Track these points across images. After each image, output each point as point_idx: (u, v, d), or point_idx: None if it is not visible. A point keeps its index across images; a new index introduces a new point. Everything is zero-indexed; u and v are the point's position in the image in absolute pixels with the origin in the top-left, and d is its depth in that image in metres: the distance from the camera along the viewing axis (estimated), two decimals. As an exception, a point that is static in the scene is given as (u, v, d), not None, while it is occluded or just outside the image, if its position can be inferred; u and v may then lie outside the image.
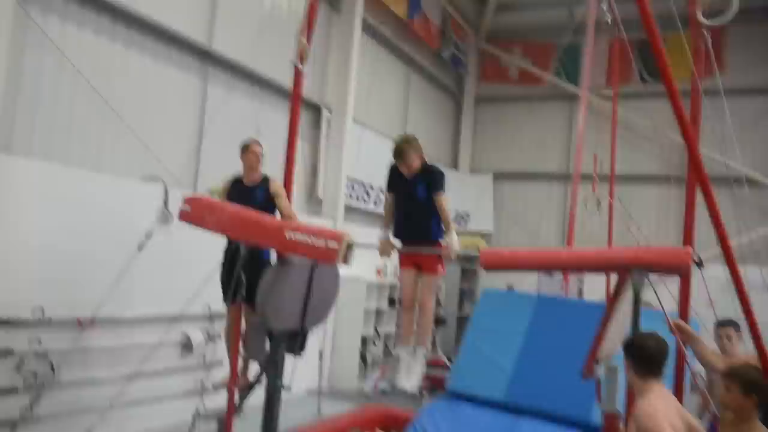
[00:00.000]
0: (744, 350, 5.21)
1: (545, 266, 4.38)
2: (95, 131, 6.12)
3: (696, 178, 4.44)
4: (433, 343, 11.98)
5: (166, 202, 6.31)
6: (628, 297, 3.71)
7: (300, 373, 5.41)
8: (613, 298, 3.70)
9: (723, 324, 5.13)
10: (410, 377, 5.16)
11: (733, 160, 10.76)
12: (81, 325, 5.52)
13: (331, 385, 9.10)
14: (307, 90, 8.60)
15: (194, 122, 7.27)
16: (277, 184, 5.36)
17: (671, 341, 4.05)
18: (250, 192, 5.21)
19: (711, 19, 4.39)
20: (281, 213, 5.22)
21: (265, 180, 5.32)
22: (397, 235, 5.15)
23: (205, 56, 7.37)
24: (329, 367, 9.18)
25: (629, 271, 3.53)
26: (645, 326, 3.95)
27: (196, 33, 7.19)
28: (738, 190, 9.94)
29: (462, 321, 12.15)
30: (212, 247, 5.61)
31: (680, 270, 3.42)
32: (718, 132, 9.81)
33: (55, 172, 5.48)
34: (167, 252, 6.31)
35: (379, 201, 10.76)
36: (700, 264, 3.37)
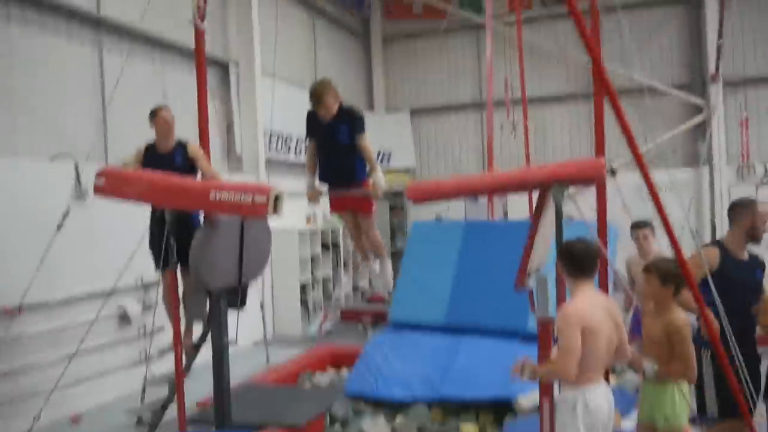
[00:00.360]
0: (658, 248, 5.66)
1: (468, 192, 4.53)
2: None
3: (602, 91, 4.66)
4: (370, 280, 12.26)
5: (78, 178, 6.09)
6: (550, 211, 3.94)
7: (244, 326, 5.44)
8: (537, 213, 3.90)
9: (638, 225, 5.55)
10: (385, 283, 5.42)
11: (635, 72, 11.29)
12: (10, 312, 5.34)
13: (276, 334, 9.22)
14: (211, 47, 8.33)
15: (96, 94, 6.93)
16: (194, 147, 5.26)
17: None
18: (167, 158, 5.10)
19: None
20: (204, 174, 5.15)
21: (181, 144, 5.21)
22: (323, 179, 5.19)
23: (97, 24, 6.96)
24: (272, 317, 9.28)
25: (548, 187, 3.73)
26: (568, 236, 4.21)
27: (84, 0, 6.77)
28: (641, 99, 10.47)
29: (396, 255, 12.41)
30: (134, 217, 5.50)
31: (596, 180, 3.64)
32: (618, 46, 10.23)
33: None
34: (88, 228, 6.14)
35: (299, 151, 10.69)
36: (613, 173, 3.60)
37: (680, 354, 3.45)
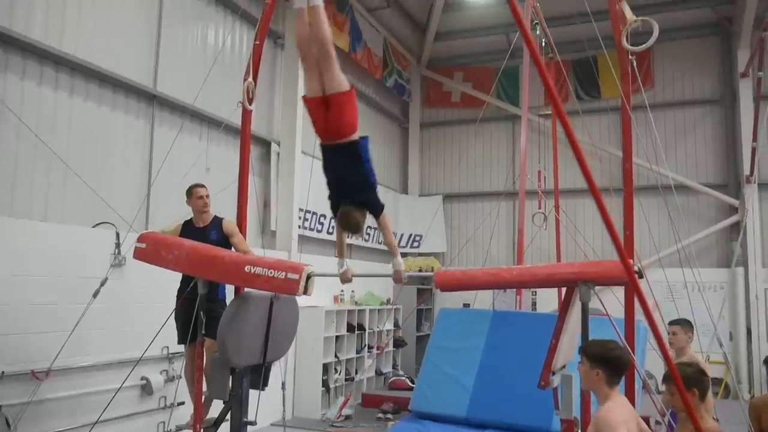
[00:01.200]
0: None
1: (496, 285, 4.54)
2: (41, 181, 6.05)
3: (631, 187, 4.73)
4: (394, 365, 12.08)
5: (118, 247, 6.28)
6: (576, 309, 3.92)
7: (264, 406, 5.41)
8: (563, 310, 3.89)
9: (670, 323, 5.55)
10: None
11: (669, 170, 11.35)
12: (36, 378, 5.41)
13: (295, 416, 9.06)
14: (255, 125, 8.68)
15: (143, 166, 7.24)
16: (229, 223, 5.42)
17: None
18: (203, 233, 5.26)
19: (635, 44, 4.70)
20: (237, 251, 5.28)
21: (217, 220, 5.38)
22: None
23: (151, 99, 7.38)
24: (293, 398, 9.15)
25: (576, 284, 3.74)
26: (595, 333, 4.16)
27: (141, 77, 7.20)
28: (671, 197, 10.46)
29: (421, 341, 12.28)
30: (165, 288, 5.61)
31: (623, 281, 3.63)
32: (653, 143, 10.35)
33: (1, 225, 5.39)
34: (121, 297, 6.27)
35: (331, 228, 10.86)
36: (640, 275, 3.59)
37: None
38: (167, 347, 6.62)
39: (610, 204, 12.52)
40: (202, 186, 5.48)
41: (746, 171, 11.44)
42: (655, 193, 11.36)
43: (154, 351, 6.32)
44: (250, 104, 5.62)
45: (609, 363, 3.20)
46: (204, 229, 5.31)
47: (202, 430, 4.73)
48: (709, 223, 11.90)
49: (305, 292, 4.11)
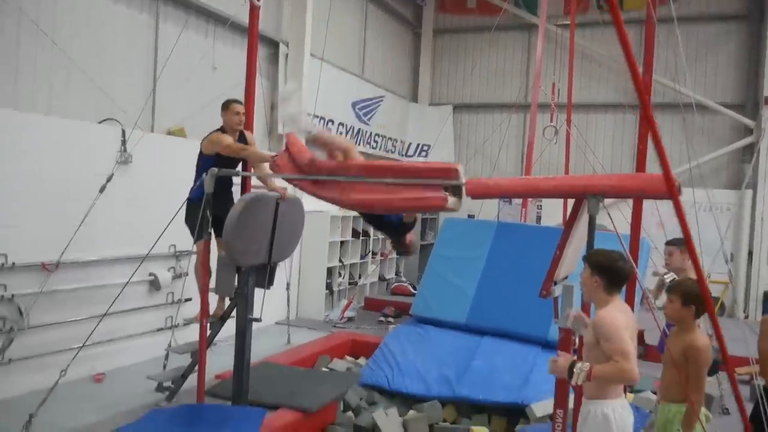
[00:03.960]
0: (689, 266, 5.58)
1: (528, 194, 4.41)
2: (45, 75, 5.93)
3: (648, 105, 4.59)
4: (397, 272, 12.30)
5: (124, 144, 6.23)
6: (584, 221, 3.90)
7: (269, 305, 5.55)
8: (570, 222, 3.87)
9: (666, 243, 5.55)
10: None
11: (686, 87, 11.06)
12: (46, 269, 5.51)
13: (299, 316, 9.32)
14: (263, 25, 8.40)
15: (148, 62, 7.07)
16: (251, 136, 5.38)
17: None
18: None
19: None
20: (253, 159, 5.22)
21: (241, 134, 5.29)
22: None
23: (156, -8, 7.10)
24: (297, 299, 9.37)
25: (586, 196, 3.68)
26: (600, 248, 4.17)
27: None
28: (688, 115, 10.25)
29: (425, 249, 12.43)
30: (171, 187, 5.61)
31: (665, 196, 3.53)
32: (671, 59, 10.02)
33: (7, 118, 5.32)
34: (129, 194, 6.29)
35: (340, 134, 10.75)
36: (679, 190, 3.52)
37: (692, 375, 3.39)
38: (174, 245, 6.71)
39: (624, 120, 12.34)
40: (240, 102, 5.31)
41: (766, 92, 11.14)
42: (670, 110, 11.15)
43: (162, 249, 6.41)
44: (258, 1, 5.40)
45: (609, 272, 3.26)
46: None
47: (208, 324, 4.85)
48: (722, 144, 11.71)
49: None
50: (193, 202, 4.93)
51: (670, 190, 3.17)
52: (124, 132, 6.22)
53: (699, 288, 3.50)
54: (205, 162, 4.99)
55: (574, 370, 2.83)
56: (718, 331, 3.39)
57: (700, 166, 11.31)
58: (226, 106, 5.23)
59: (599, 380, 3.00)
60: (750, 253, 11.29)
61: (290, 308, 8.28)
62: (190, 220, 5.07)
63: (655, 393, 6.09)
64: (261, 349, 6.80)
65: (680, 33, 11.70)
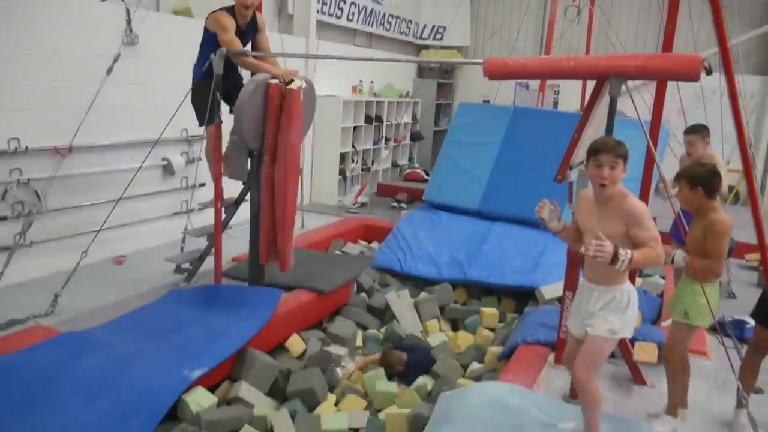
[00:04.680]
0: (711, 154, 5.47)
1: (551, 74, 4.15)
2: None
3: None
4: (410, 158, 12.26)
5: (129, 24, 6.02)
6: (603, 104, 3.78)
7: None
8: (589, 105, 3.75)
9: (687, 131, 5.42)
10: None
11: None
12: (59, 153, 5.51)
13: (313, 201, 9.40)
14: None
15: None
16: (262, 18, 5.10)
17: (643, 145, 4.21)
18: (245, 34, 4.94)
19: None
20: (260, 48, 5.04)
21: (253, 18, 4.97)
22: None
23: None
24: (310, 184, 9.42)
25: (608, 77, 3.54)
26: (619, 134, 4.07)
27: None
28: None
29: (439, 135, 12.30)
30: (180, 68, 5.46)
31: (692, 76, 3.36)
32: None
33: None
34: (137, 76, 6.15)
35: (351, 16, 10.33)
36: (709, 71, 3.36)
37: (710, 247, 3.39)
38: (186, 129, 6.65)
39: (648, 1, 11.61)
40: None
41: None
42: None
43: (174, 133, 6.36)
44: None
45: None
46: (246, 32, 4.96)
47: (222, 207, 4.90)
48: (754, 25, 11.14)
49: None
50: (201, 83, 4.81)
51: (694, 71, 3.01)
52: (128, 11, 5.99)
53: (705, 170, 3.46)
54: (209, 40, 4.80)
55: (620, 256, 2.79)
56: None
57: (730, 48, 10.85)
58: None
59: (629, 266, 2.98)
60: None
61: (303, 193, 8.33)
62: (197, 102, 4.97)
63: (663, 278, 6.19)
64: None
65: None
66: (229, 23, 4.68)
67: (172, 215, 6.81)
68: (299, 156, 4.70)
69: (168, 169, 6.70)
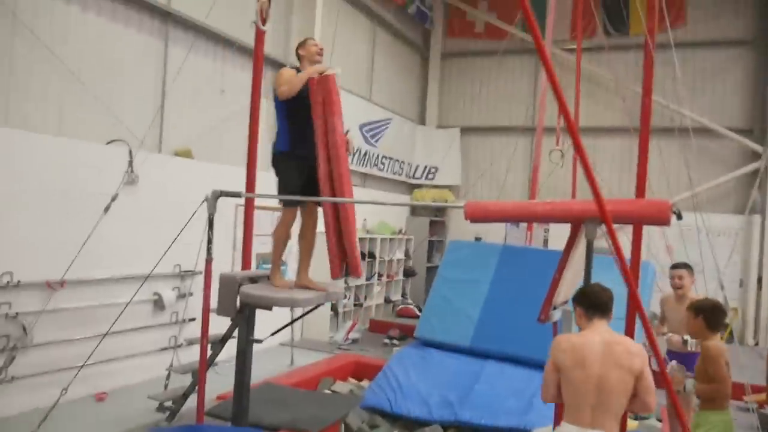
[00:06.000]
0: (695, 292, 5.58)
1: (529, 218, 4.44)
2: (55, 96, 6.04)
3: (648, 127, 4.62)
4: (403, 293, 12.28)
5: (131, 164, 6.31)
6: (582, 246, 3.90)
7: (272, 326, 5.55)
8: (568, 247, 3.87)
9: (675, 266, 5.57)
10: None
11: (693, 111, 11.08)
12: (50, 287, 5.56)
13: (304, 337, 9.31)
14: (271, 48, 8.53)
15: (156, 83, 7.17)
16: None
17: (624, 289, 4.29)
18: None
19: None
20: None
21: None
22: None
23: (165, 16, 7.23)
24: (302, 320, 9.37)
25: (583, 221, 3.68)
26: (600, 272, 4.16)
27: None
28: (696, 140, 10.24)
29: (431, 272, 12.42)
30: (177, 207, 5.66)
31: (661, 221, 3.53)
32: (677, 83, 10.06)
33: (17, 138, 5.41)
34: (134, 214, 6.36)
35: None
36: (679, 216, 3.54)
37: (711, 374, 3.77)
38: (179, 265, 6.75)
39: (631, 144, 12.28)
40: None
41: (774, 116, 11.16)
42: (676, 135, 11.15)
43: (166, 268, 6.46)
44: (263, 24, 5.49)
45: (584, 299, 3.37)
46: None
47: (209, 345, 4.87)
48: (730, 169, 11.68)
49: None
50: (277, 156, 4.78)
51: (662, 215, 3.17)
52: (131, 152, 6.31)
53: (707, 303, 3.76)
54: (279, 108, 4.76)
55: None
56: (650, 339, 3.33)
57: (707, 190, 11.29)
58: (302, 43, 5.04)
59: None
60: (759, 279, 11.19)
61: (294, 329, 8.27)
62: (280, 176, 4.84)
63: (660, 420, 6.03)
64: (264, 370, 6.80)
65: (690, 56, 11.76)
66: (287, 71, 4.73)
67: (159, 351, 6.74)
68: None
69: (158, 303, 6.72)
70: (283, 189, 4.75)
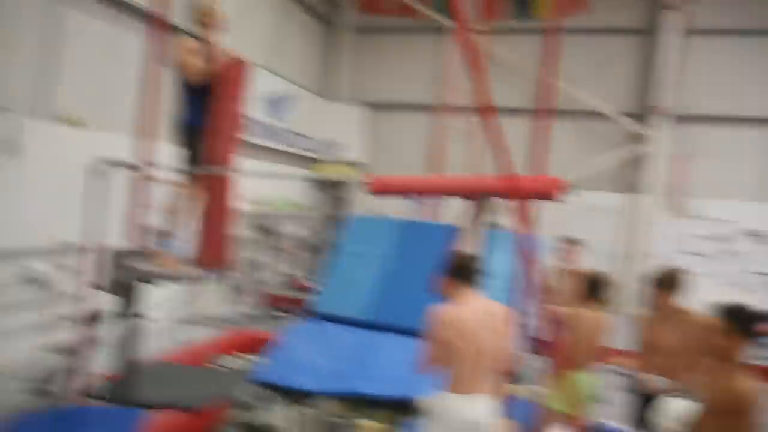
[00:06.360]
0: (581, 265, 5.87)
1: (430, 192, 4.50)
2: None
3: (545, 109, 4.73)
4: (303, 268, 12.15)
5: (13, 133, 5.78)
6: (478, 219, 3.96)
7: (162, 301, 5.29)
8: (465, 220, 3.91)
9: (564, 240, 5.84)
10: None
11: (584, 94, 11.56)
12: None
13: (195, 313, 8.99)
14: (174, 15, 8.03)
15: (44, 48, 6.57)
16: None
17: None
18: None
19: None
20: None
21: None
22: None
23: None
24: (193, 295, 9.02)
25: (484, 197, 3.74)
26: (494, 245, 4.23)
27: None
28: (586, 122, 10.73)
29: (332, 247, 12.34)
30: (64, 178, 5.26)
31: (551, 197, 3.64)
32: (575, 68, 10.45)
33: None
34: (16, 185, 5.85)
35: (252, 133, 10.49)
36: (571, 193, 3.68)
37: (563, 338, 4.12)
38: (63, 239, 6.30)
39: (529, 123, 12.58)
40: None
41: (657, 102, 11.85)
42: (571, 116, 11.63)
43: (47, 242, 6.03)
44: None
45: (451, 267, 3.45)
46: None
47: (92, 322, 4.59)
48: (615, 150, 12.32)
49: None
50: (177, 127, 4.68)
51: (556, 190, 3.25)
52: (13, 120, 5.78)
53: (592, 274, 4.20)
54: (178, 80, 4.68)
55: None
56: (542, 309, 3.52)
57: (595, 171, 11.87)
58: (202, 10, 4.86)
59: None
60: (637, 254, 11.95)
61: (186, 305, 7.99)
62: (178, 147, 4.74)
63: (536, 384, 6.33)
64: (150, 347, 6.51)
65: (587, 42, 12.20)
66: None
67: (35, 330, 6.29)
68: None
69: (37, 280, 6.26)
70: (179, 160, 4.58)
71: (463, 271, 3.32)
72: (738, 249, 11.86)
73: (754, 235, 11.79)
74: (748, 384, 2.60)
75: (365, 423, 5.31)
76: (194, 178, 4.66)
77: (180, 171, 4.62)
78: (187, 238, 4.92)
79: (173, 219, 4.69)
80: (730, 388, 2.59)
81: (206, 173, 4.52)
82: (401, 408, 5.72)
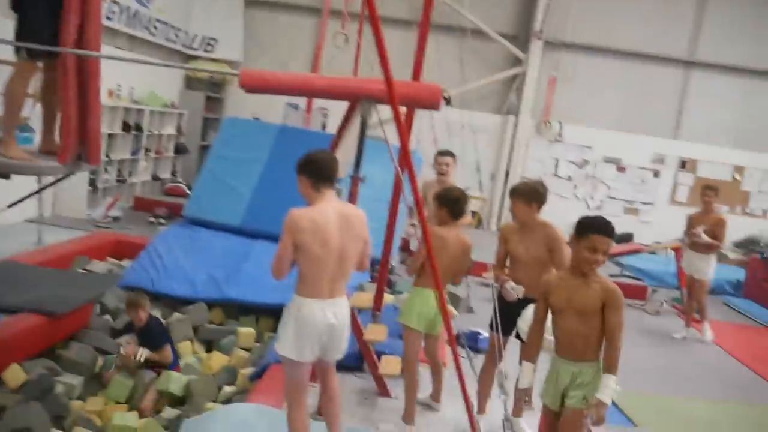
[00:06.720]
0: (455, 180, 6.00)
1: (306, 91, 4.31)
2: None
3: (428, 21, 4.68)
4: (173, 171, 11.65)
5: None
6: (356, 125, 3.93)
7: (15, 199, 4.85)
8: (343, 125, 3.87)
9: (442, 154, 5.90)
10: None
11: (467, 11, 11.64)
12: None
13: (56, 213, 8.41)
14: None
15: None
16: None
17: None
18: None
19: None
20: None
21: None
22: None
23: None
24: (52, 194, 8.40)
25: (359, 100, 3.69)
26: (370, 156, 4.24)
27: None
28: (466, 40, 10.83)
29: (205, 150, 11.89)
30: None
31: (433, 104, 3.64)
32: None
33: None
34: None
35: (112, 15, 9.57)
36: (448, 101, 3.64)
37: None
38: None
39: (410, 36, 12.42)
40: None
41: (536, 27, 12.18)
42: (452, 33, 11.67)
43: None
44: None
45: (311, 167, 3.25)
46: None
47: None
48: (494, 71, 12.62)
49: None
50: None
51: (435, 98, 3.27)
52: None
53: (452, 194, 4.01)
54: None
55: None
56: (422, 219, 3.60)
57: (473, 89, 12.14)
58: None
59: None
60: (507, 173, 12.57)
61: (43, 204, 7.43)
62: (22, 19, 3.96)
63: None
64: (5, 248, 6.05)
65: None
66: None
67: None
68: None
69: None
70: (26, 35, 3.95)
71: (321, 172, 3.19)
72: (597, 174, 12.83)
73: (612, 162, 12.78)
74: (609, 285, 2.96)
75: (243, 330, 5.33)
76: (42, 57, 4.01)
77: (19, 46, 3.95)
78: (41, 128, 4.42)
79: (15, 104, 4.08)
80: (588, 295, 2.90)
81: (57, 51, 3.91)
82: (273, 315, 5.80)
